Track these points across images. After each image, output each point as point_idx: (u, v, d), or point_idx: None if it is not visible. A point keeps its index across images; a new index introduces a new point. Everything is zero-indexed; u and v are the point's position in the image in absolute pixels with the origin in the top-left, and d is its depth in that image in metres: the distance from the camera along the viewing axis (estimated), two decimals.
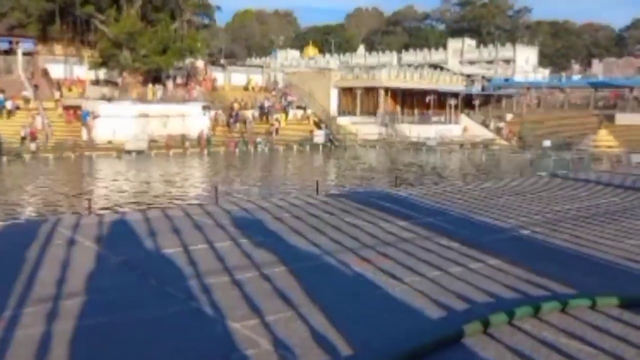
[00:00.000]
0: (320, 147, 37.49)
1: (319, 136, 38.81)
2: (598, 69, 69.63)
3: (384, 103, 45.51)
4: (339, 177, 25.61)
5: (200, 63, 44.72)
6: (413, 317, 3.35)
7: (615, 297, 3.53)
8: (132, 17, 36.65)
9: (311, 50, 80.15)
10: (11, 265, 4.36)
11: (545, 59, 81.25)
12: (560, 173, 13.22)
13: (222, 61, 51.13)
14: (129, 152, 30.74)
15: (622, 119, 42.43)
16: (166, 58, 37.27)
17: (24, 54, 38.36)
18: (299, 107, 42.56)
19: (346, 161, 31.91)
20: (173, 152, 31.90)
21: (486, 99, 51.25)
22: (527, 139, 40.54)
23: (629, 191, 9.04)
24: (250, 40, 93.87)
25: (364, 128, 41.24)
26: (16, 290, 3.76)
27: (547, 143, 37.31)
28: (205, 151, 33.18)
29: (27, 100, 34.10)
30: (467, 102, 48.52)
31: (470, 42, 75.86)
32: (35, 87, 35.76)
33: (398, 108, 46.73)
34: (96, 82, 37.44)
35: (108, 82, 37.48)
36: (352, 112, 44.50)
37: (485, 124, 45.83)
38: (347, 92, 45.35)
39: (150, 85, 36.96)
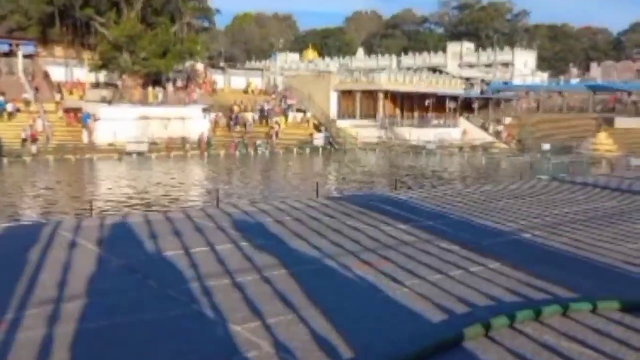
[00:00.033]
0: (320, 150, 37.53)
1: (319, 139, 38.84)
2: (597, 72, 69.72)
3: (384, 106, 45.57)
4: (339, 180, 25.61)
5: (200, 66, 44.76)
6: (414, 321, 3.35)
7: (617, 301, 3.54)
8: (133, 20, 36.71)
9: (311, 54, 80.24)
10: (13, 268, 4.36)
11: (544, 63, 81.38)
12: (559, 177, 13.24)
13: (222, 64, 51.18)
14: (129, 154, 30.76)
15: (621, 122, 42.47)
16: (166, 61, 37.30)
17: (25, 56, 38.38)
18: (299, 110, 42.60)
19: (346, 164, 31.93)
20: (174, 155, 31.91)
21: (485, 103, 51.32)
22: (527, 143, 40.56)
23: (627, 195, 9.06)
24: (250, 43, 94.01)
25: (363, 131, 41.27)
26: (18, 293, 3.76)
27: (546, 146, 37.33)
28: (206, 154, 33.20)
29: (27, 103, 34.10)
30: (466, 106, 48.59)
31: (469, 46, 75.98)
32: (36, 89, 35.77)
33: (398, 111, 46.78)
34: (97, 85, 37.47)
35: (108, 85, 37.50)
36: (352, 116, 44.55)
37: (484, 128, 45.87)
38: (346, 95, 45.42)
39: (150, 88, 37.01)
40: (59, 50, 40.18)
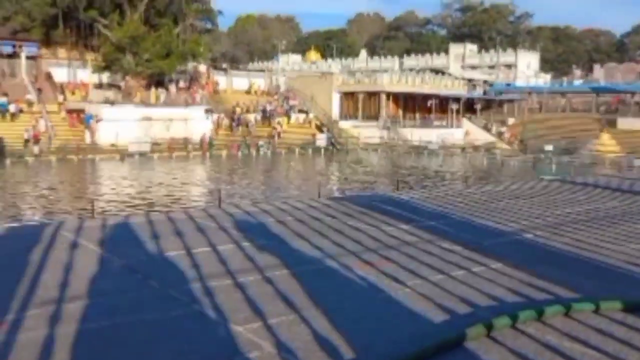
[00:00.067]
0: (322, 150, 37.54)
1: (321, 140, 38.85)
2: (599, 74, 69.58)
3: (386, 107, 45.56)
4: (341, 180, 25.61)
5: (202, 67, 44.83)
6: (416, 321, 3.35)
7: (619, 301, 3.52)
8: (136, 21, 36.79)
9: (313, 55, 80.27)
10: (14, 268, 4.36)
11: (546, 64, 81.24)
12: (561, 177, 13.22)
13: (225, 65, 51.26)
14: (131, 155, 30.81)
15: (624, 123, 42.38)
16: (169, 62, 37.38)
17: (28, 57, 38.50)
18: (301, 111, 42.61)
19: (348, 165, 31.93)
20: (176, 155, 31.95)
21: (488, 104, 51.27)
22: (529, 143, 40.49)
23: (629, 195, 9.03)
24: (252, 44, 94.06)
25: (365, 132, 41.27)
26: (19, 293, 3.76)
27: (548, 147, 37.29)
28: (208, 154, 33.23)
29: (30, 104, 34.19)
30: (468, 107, 48.54)
31: (471, 47, 75.91)
32: (39, 90, 35.86)
33: (400, 112, 46.77)
34: (99, 86, 37.55)
35: (111, 86, 37.59)
36: (354, 116, 44.55)
37: (487, 128, 45.80)
38: (349, 96, 45.43)
39: (153, 89, 37.08)
40: (62, 52, 40.26)
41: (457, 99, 47.04)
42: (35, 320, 3.28)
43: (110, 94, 35.55)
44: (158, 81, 38.44)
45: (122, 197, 19.03)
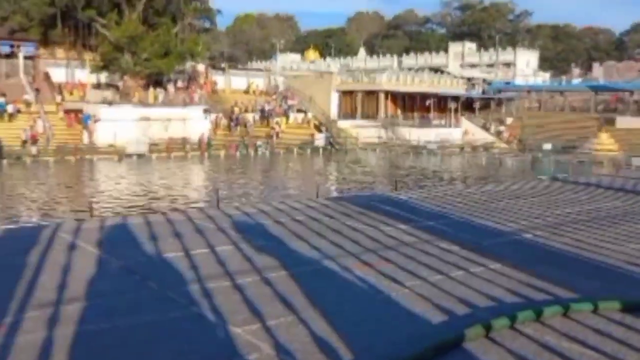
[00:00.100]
0: (321, 150, 37.54)
1: (320, 139, 38.85)
2: (598, 72, 69.65)
3: (385, 106, 45.57)
4: (340, 180, 25.61)
5: (201, 67, 44.77)
6: (414, 322, 3.34)
7: (617, 302, 3.52)
8: (134, 21, 36.74)
9: (312, 54, 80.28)
10: (12, 270, 4.35)
11: (545, 63, 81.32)
12: (560, 176, 13.22)
13: (223, 65, 51.20)
14: (129, 155, 30.78)
15: (623, 122, 42.41)
16: (167, 62, 37.33)
17: (26, 57, 38.43)
18: (299, 111, 42.60)
19: (346, 164, 31.93)
20: (174, 156, 31.93)
21: (487, 103, 51.29)
22: (528, 142, 40.52)
23: (629, 195, 9.04)
24: (251, 44, 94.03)
25: (364, 131, 41.28)
26: (17, 295, 3.75)
27: (547, 146, 37.31)
28: (206, 154, 33.22)
29: (28, 104, 34.13)
30: (467, 106, 48.57)
31: (470, 46, 75.97)
32: (37, 90, 35.80)
33: (398, 111, 46.78)
34: (97, 86, 37.49)
35: (109, 86, 37.53)
36: (352, 116, 44.56)
37: (485, 127, 45.83)
38: (347, 95, 45.43)
39: (151, 89, 37.03)
40: (60, 51, 40.19)
41: (455, 98, 47.06)
42: (33, 322, 3.27)
43: (108, 94, 35.49)
44: (156, 81, 38.39)
45: (120, 198, 19.01)
